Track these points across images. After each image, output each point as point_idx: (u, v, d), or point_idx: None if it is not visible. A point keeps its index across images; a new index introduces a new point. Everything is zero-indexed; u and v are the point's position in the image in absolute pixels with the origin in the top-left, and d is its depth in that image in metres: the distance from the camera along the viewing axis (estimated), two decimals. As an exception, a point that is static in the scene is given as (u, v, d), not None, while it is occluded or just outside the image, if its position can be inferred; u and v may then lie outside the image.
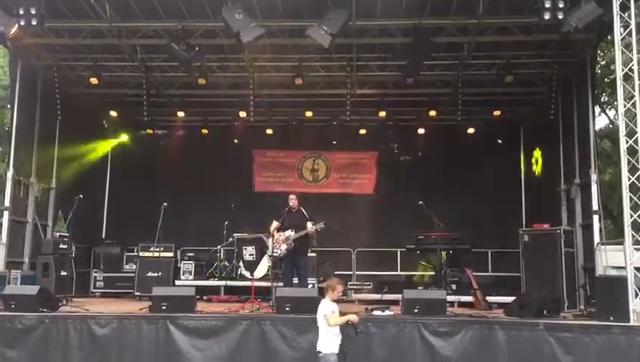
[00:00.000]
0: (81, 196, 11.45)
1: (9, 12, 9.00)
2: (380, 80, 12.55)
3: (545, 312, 8.17)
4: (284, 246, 9.64)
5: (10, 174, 10.91)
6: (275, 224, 9.82)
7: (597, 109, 14.35)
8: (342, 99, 12.43)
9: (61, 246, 11.05)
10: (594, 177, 10.03)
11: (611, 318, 7.65)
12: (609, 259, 9.04)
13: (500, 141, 13.76)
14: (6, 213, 10.80)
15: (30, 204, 11.64)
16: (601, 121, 20.01)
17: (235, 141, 14.52)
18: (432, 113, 13.35)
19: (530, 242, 10.23)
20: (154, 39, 10.91)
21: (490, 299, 10.04)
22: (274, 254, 9.66)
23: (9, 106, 13.93)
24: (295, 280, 9.76)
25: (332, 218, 10.35)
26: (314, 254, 11.59)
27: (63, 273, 10.78)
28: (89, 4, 9.62)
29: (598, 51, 13.24)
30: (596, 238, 9.69)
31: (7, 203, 10.82)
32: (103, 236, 14.61)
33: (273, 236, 9.72)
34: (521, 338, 7.58)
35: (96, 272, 12.95)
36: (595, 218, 9.82)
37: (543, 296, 8.67)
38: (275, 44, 11.09)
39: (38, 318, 7.93)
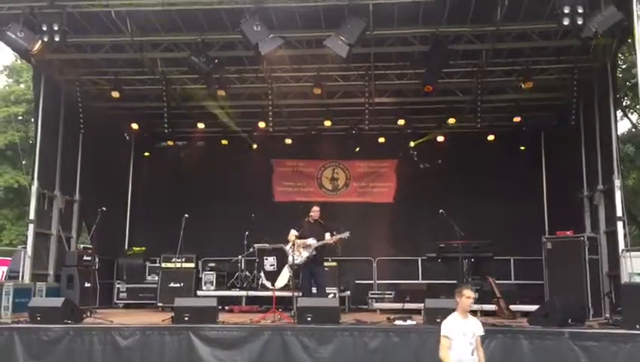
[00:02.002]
0: (104, 208, 11.58)
1: (33, 29, 9.17)
2: (399, 88, 12.55)
3: (569, 321, 8.06)
4: (305, 253, 9.67)
5: (34, 187, 11.08)
6: (293, 232, 9.85)
7: (619, 113, 14.19)
8: (360, 108, 12.43)
9: (85, 257, 11.21)
10: (617, 183, 9.88)
11: (637, 326, 7.52)
12: (634, 265, 8.90)
13: (522, 148, 13.59)
14: (31, 226, 10.97)
15: (54, 216, 11.81)
16: (623, 126, 19.82)
17: (254, 146, 14.51)
18: (452, 121, 13.29)
19: (554, 249, 10.13)
20: (174, 52, 11.06)
21: (514, 307, 9.95)
22: (295, 261, 9.66)
23: (33, 120, 14.19)
24: (313, 290, 9.76)
25: (352, 227, 10.32)
26: (335, 263, 11.58)
27: (87, 284, 10.93)
28: (110, 20, 9.77)
29: (619, 55, 13.09)
30: (621, 245, 9.53)
31: (32, 216, 11.00)
32: (126, 247, 14.75)
33: (294, 244, 9.74)
34: (545, 348, 7.50)
35: (119, 283, 13.10)
36: (620, 224, 9.67)
37: (567, 304, 8.55)
38: (294, 55, 11.15)
39: (63, 330, 8.04)
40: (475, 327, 5.61)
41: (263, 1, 9.05)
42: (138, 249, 13.91)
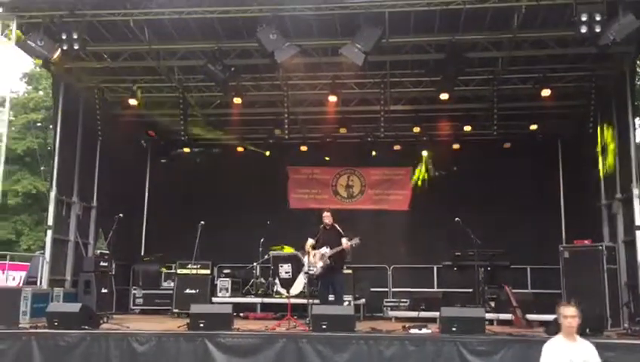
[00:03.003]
0: (121, 215, 11.69)
1: (52, 37, 9.30)
2: (415, 96, 12.55)
3: (587, 331, 7.92)
4: (320, 264, 9.64)
5: (53, 194, 11.19)
6: (310, 241, 9.83)
7: (637, 121, 14.03)
8: (376, 116, 12.42)
9: (102, 263, 11.31)
10: (636, 191, 9.78)
11: (657, 337, 7.43)
12: (653, 275, 8.80)
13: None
14: (49, 232, 11.08)
15: (72, 222, 11.92)
16: (641, 134, 19.59)
17: (267, 153, 14.59)
18: (468, 128, 13.27)
19: (571, 258, 10.03)
20: (191, 60, 11.16)
21: (530, 316, 9.85)
22: (310, 273, 9.66)
23: (52, 127, 14.36)
24: (331, 297, 9.74)
25: (367, 234, 10.33)
26: (350, 271, 11.57)
27: (104, 290, 11.04)
28: (128, 28, 9.88)
29: (638, 62, 12.99)
30: (639, 254, 9.43)
31: (50, 222, 11.10)
32: (142, 253, 14.85)
33: (309, 254, 9.74)
34: (563, 358, 7.40)
35: (135, 289, 13.18)
36: (638, 233, 9.57)
37: (585, 314, 8.42)
38: (309, 63, 11.19)
39: (80, 336, 8.09)
40: (586, 353, 4.79)
41: (279, 10, 9.10)
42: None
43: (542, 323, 9.28)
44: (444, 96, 11.37)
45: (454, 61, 10.18)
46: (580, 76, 11.52)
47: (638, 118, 11.01)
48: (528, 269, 13.37)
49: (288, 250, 12.54)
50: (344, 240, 9.65)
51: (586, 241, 10.15)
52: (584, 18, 8.25)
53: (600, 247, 9.85)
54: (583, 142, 12.47)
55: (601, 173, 11.58)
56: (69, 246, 11.81)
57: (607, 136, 11.11)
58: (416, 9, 9.11)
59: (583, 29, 8.30)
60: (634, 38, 8.67)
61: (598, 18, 8.21)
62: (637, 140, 10.08)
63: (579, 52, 10.45)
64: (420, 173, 14.74)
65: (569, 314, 4.94)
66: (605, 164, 11.23)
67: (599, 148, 11.54)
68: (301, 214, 14.23)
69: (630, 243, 9.95)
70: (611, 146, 10.86)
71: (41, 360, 7.97)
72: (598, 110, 11.54)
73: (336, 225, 9.94)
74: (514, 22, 9.45)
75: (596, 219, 11.64)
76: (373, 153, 14.30)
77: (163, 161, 15.18)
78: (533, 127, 13.09)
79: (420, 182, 14.75)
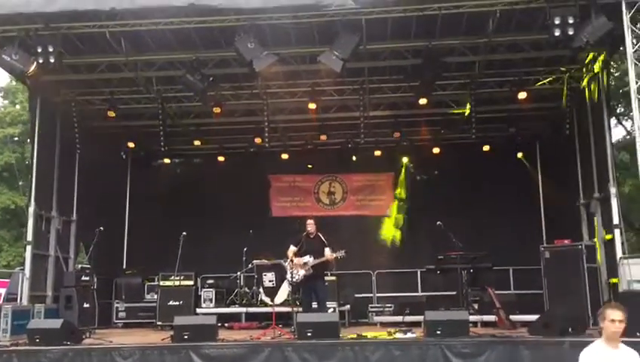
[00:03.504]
0: (101, 228, 11.57)
1: (28, 51, 9.22)
2: (394, 101, 12.65)
3: (570, 330, 8.05)
4: (302, 272, 9.61)
5: (32, 209, 11.04)
6: (292, 248, 9.79)
7: (613, 121, 14.28)
8: (356, 122, 12.50)
9: (83, 278, 11.17)
10: (613, 190, 9.90)
11: (638, 334, 7.50)
12: (633, 273, 8.90)
13: (520, 154, 13.68)
14: (29, 248, 10.92)
15: (52, 236, 11.79)
16: (617, 133, 19.91)
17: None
18: (446, 133, 13.38)
19: (552, 258, 10.14)
20: (169, 71, 11.13)
21: (514, 317, 9.93)
22: (292, 280, 9.64)
23: (29, 141, 14.19)
24: (314, 305, 9.72)
25: (350, 240, 10.38)
26: (334, 278, 11.57)
27: (86, 305, 10.89)
28: (105, 40, 9.80)
29: (612, 63, 13.22)
30: (619, 252, 9.54)
31: (29, 237, 10.95)
32: (124, 266, 14.70)
33: (292, 261, 9.72)
34: (547, 358, 7.48)
35: (117, 303, 13.04)
36: (617, 232, 9.69)
37: (567, 314, 8.55)
38: (288, 71, 11.22)
39: (62, 352, 7.97)
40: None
41: (256, 19, 9.11)
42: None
43: (525, 324, 9.35)
44: (422, 101, 11.46)
45: (431, 66, 10.27)
46: (555, 78, 11.69)
47: (613, 118, 11.19)
48: (510, 270, 13.49)
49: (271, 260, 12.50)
50: (327, 251, 9.62)
51: (566, 241, 10.26)
52: (557, 21, 8.39)
53: (580, 246, 9.96)
54: (560, 143, 12.63)
55: (579, 174, 11.75)
56: (50, 261, 11.67)
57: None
58: (393, 15, 9.19)
59: (557, 32, 8.44)
60: (606, 39, 8.81)
61: (571, 21, 8.36)
62: (612, 140, 10.21)
63: (553, 55, 10.62)
64: (402, 185, 14.73)
65: (617, 317, 4.25)
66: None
67: (577, 149, 11.71)
68: (284, 222, 14.21)
69: (609, 242, 10.07)
70: None
71: (23, 378, 7.85)
72: (574, 111, 11.72)
73: (320, 234, 9.91)
74: (489, 26, 9.56)
75: (575, 218, 11.79)
76: (354, 158, 14.33)
77: (142, 172, 15.05)
78: (512, 129, 13.21)
79: (402, 192, 14.76)
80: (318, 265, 9.67)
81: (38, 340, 8.29)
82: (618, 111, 19.44)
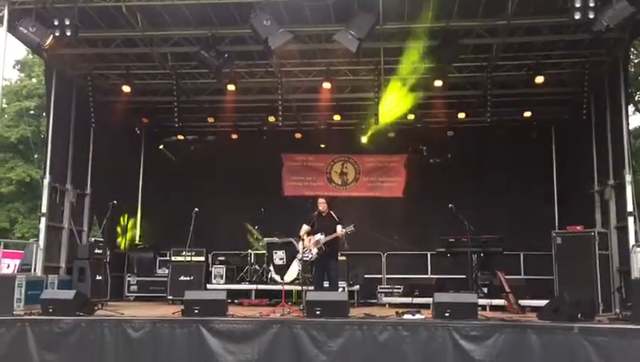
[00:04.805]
0: (115, 202, 11.67)
1: (44, 24, 9.25)
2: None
3: (579, 316, 8.02)
4: (314, 250, 9.66)
5: (46, 181, 11.15)
6: (305, 228, 9.85)
7: (630, 108, 14.10)
8: (370, 103, 12.42)
9: (96, 251, 11.31)
10: (628, 178, 9.85)
11: (648, 321, 7.50)
12: (645, 261, 8.87)
13: (534, 135, 13.50)
14: (43, 219, 11.05)
15: (66, 209, 11.91)
16: (635, 120, 19.69)
17: (264, 137, 14.58)
18: (462, 115, 13.27)
19: (564, 244, 10.09)
20: (184, 47, 11.10)
21: (523, 302, 9.92)
22: (305, 259, 9.69)
23: (45, 115, 14.28)
24: (326, 284, 9.78)
25: (362, 221, 10.33)
26: (344, 258, 11.61)
27: (98, 277, 11.04)
28: (121, 14, 9.81)
29: (632, 49, 13.03)
30: (631, 240, 9.51)
31: (44, 209, 11.07)
32: (137, 241, 14.85)
33: (303, 240, 9.77)
34: (555, 343, 7.46)
35: (129, 276, 13.20)
36: (630, 219, 9.64)
37: (577, 300, 8.49)
38: (303, 50, 11.16)
39: (75, 322, 8.10)
40: None
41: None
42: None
43: (534, 309, 9.35)
44: (438, 83, 11.36)
45: (448, 48, 10.16)
46: (574, 63, 11.54)
47: (631, 105, 11.04)
48: (521, 255, 13.43)
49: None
50: (339, 228, 9.66)
51: (579, 227, 10.21)
52: (578, 4, 8.24)
53: (592, 233, 9.91)
54: (576, 128, 12.50)
55: (594, 160, 11.64)
56: (63, 233, 11.81)
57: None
58: (411, -5, 9.09)
59: (577, 16, 8.30)
60: (627, 24, 8.68)
61: (591, 4, 8.21)
62: (629, 126, 10.10)
63: (572, 38, 10.46)
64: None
65: None
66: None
67: (593, 135, 11.58)
68: (295, 201, 14.25)
69: (622, 229, 10.02)
70: None
71: (36, 346, 7.98)
72: (591, 97, 11.57)
73: (332, 212, 9.94)
74: (508, 8, 9.43)
75: (589, 205, 11.70)
76: (364, 140, 14.26)
77: (156, 148, 15.11)
78: (527, 113, 13.08)
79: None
80: (331, 243, 9.70)
81: (51, 310, 8.41)
82: (636, 98, 19.18)
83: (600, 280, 9.54)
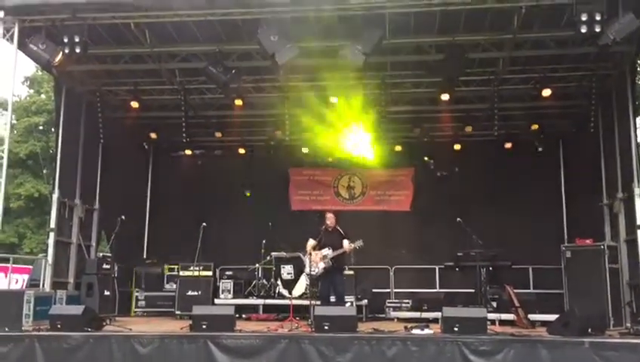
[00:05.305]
0: (123, 217, 11.71)
1: (54, 41, 9.34)
2: (415, 97, 12.55)
3: (590, 330, 7.97)
4: (321, 265, 9.67)
5: (55, 196, 11.21)
6: (311, 242, 9.86)
7: (638, 121, 14.01)
8: (376, 116, 12.42)
9: (104, 266, 11.32)
10: (637, 191, 9.78)
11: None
12: (655, 275, 8.80)
13: (540, 149, 13.46)
14: (52, 235, 11.09)
15: (75, 224, 11.94)
16: (643, 133, 19.57)
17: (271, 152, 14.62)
18: (469, 129, 13.27)
19: (573, 258, 10.06)
20: (192, 63, 11.18)
21: (533, 316, 9.86)
22: (311, 273, 9.68)
23: (54, 130, 14.39)
24: (332, 298, 9.76)
25: (369, 235, 10.32)
26: (352, 272, 11.57)
27: (107, 292, 11.03)
28: (130, 31, 9.90)
29: (638, 62, 13.01)
30: (641, 253, 9.44)
31: (52, 224, 11.12)
32: (144, 256, 14.87)
33: (310, 255, 9.76)
34: (565, 358, 7.41)
35: (137, 292, 13.20)
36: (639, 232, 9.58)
37: (587, 314, 8.46)
38: (310, 65, 11.20)
39: (83, 338, 8.10)
40: None
41: (280, 12, 9.11)
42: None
43: (544, 323, 9.28)
44: (444, 96, 11.38)
45: (455, 62, 10.18)
46: (581, 76, 11.53)
47: (639, 118, 11.02)
48: (530, 269, 13.35)
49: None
50: (346, 243, 9.66)
51: (588, 241, 10.16)
52: (584, 18, 8.23)
53: (602, 247, 9.86)
54: (584, 141, 12.47)
55: (603, 173, 11.59)
56: (72, 248, 11.83)
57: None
58: (417, 10, 9.12)
59: (583, 29, 8.29)
60: (634, 37, 8.68)
61: (598, 18, 8.20)
62: (638, 139, 10.08)
63: (579, 52, 10.45)
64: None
65: None
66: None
67: (601, 148, 11.55)
68: (303, 216, 14.25)
69: (632, 242, 9.95)
70: None
71: (45, 362, 7.99)
72: (599, 109, 11.55)
73: (339, 228, 9.96)
74: (514, 22, 9.45)
75: (598, 218, 11.64)
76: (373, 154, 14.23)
77: (164, 162, 15.16)
78: (535, 126, 13.06)
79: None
80: (338, 258, 9.71)
81: (59, 326, 8.43)
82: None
83: (610, 294, 9.48)
